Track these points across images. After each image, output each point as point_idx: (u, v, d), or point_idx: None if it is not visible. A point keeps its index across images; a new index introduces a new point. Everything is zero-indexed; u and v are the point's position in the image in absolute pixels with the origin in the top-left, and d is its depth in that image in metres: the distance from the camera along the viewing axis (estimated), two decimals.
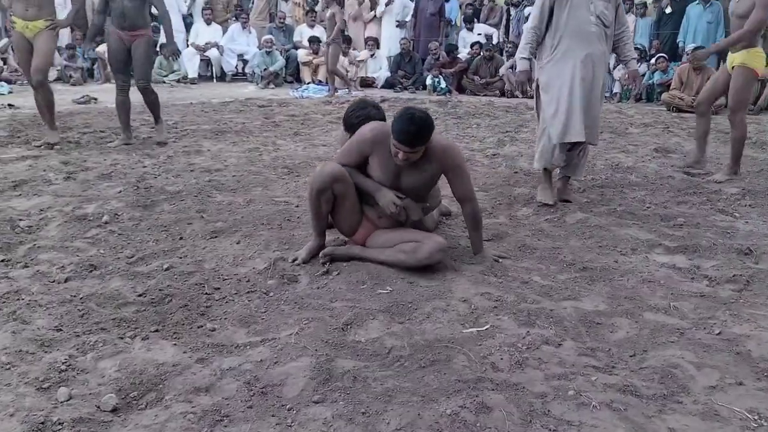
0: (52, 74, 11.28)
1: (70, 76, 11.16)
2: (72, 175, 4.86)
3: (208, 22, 12.22)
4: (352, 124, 3.53)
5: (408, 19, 12.20)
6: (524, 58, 4.23)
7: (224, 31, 12.34)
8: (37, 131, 6.59)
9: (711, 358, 2.34)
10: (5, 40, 11.40)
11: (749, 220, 4.00)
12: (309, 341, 2.41)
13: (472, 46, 11.45)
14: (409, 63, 11.51)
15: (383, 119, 3.53)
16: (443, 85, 10.85)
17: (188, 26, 12.52)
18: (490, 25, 12.34)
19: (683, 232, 3.77)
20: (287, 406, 2.01)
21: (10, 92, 9.72)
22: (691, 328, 2.58)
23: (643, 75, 9.91)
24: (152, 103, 6.18)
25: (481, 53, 11.17)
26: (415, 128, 2.92)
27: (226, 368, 2.23)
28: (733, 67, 4.95)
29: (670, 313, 2.73)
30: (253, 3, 13.10)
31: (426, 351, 2.36)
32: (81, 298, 2.74)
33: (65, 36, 11.93)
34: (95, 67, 11.81)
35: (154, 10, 6.01)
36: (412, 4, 12.24)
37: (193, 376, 2.18)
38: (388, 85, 11.59)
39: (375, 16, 12.32)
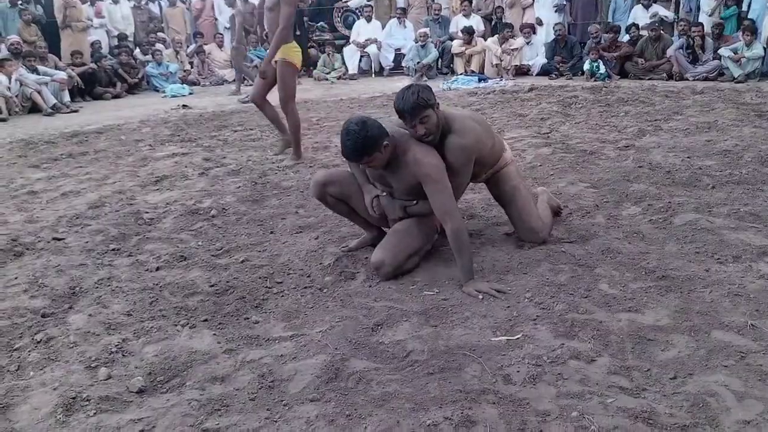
0: (231, 76, 12.45)
1: (244, 78, 12.15)
2: (207, 171, 5.37)
3: (368, 20, 12.64)
4: None
5: (565, 2, 11.62)
6: None
7: (383, 27, 12.68)
8: (196, 130, 7.33)
9: (761, 388, 2.04)
10: (193, 46, 12.73)
11: None
12: (333, 339, 2.48)
13: (628, 29, 10.62)
14: (564, 48, 10.98)
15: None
16: (602, 70, 10.20)
17: (350, 25, 13.06)
18: (662, 3, 11.33)
19: None
20: (284, 402, 2.11)
21: (190, 93, 10.86)
22: (758, 352, 2.26)
23: None
24: None
25: (647, 34, 10.33)
26: (349, 142, 2.79)
27: (248, 360, 2.38)
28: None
29: (743, 333, 2.40)
30: None
31: (442, 357, 2.32)
32: (160, 287, 3.06)
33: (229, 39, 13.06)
34: None
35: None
36: None
37: (216, 365, 2.36)
38: (545, 72, 11.16)
39: (532, 1, 11.92)
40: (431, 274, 3.03)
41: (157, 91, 11.39)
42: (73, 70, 10.35)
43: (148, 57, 11.88)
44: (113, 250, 3.57)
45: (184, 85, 11.26)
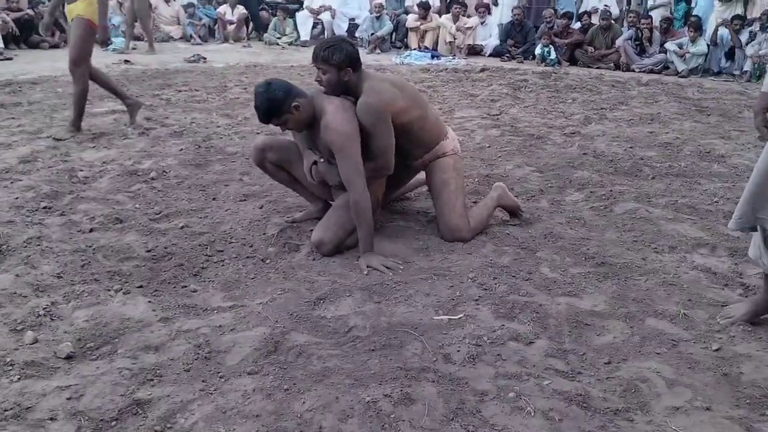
0: (177, 33, 12.03)
1: (191, 36, 11.76)
2: (147, 131, 5.16)
3: None
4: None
5: None
6: None
7: None
8: (138, 87, 7.05)
9: (691, 376, 2.11)
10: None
11: None
12: (274, 311, 2.43)
13: (580, 17, 10.77)
14: (520, 32, 11.04)
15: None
16: (553, 55, 10.31)
17: None
18: None
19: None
20: (220, 374, 2.06)
21: (133, 48, 10.40)
22: (689, 341, 2.33)
23: None
24: None
25: (599, 23, 10.49)
26: (256, 103, 2.86)
27: (184, 329, 2.31)
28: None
29: (675, 322, 2.48)
30: None
31: (384, 334, 2.31)
32: (93, 249, 2.93)
33: None
34: (216, 26, 12.35)
35: None
36: None
37: (150, 334, 2.28)
38: (497, 53, 11.20)
39: None
40: (377, 250, 3.00)
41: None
42: (8, 15, 9.77)
43: None
44: (44, 208, 3.39)
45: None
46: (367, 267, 2.84)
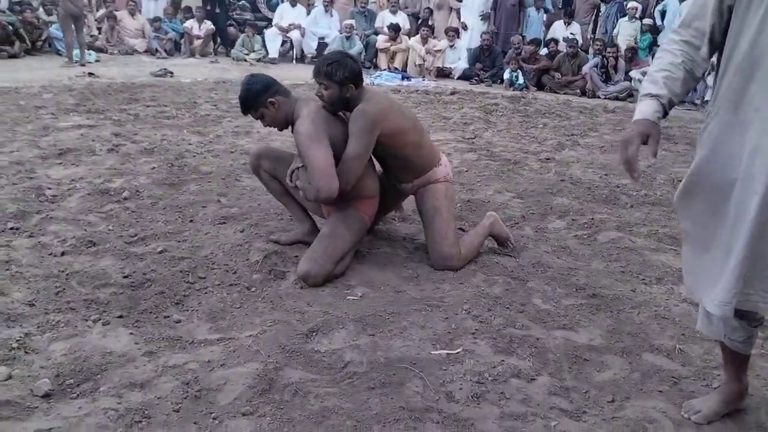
0: (142, 46, 11.79)
1: (156, 50, 11.54)
2: (117, 147, 4.98)
3: (293, 4, 12.29)
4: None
5: (490, 10, 11.78)
6: (650, 95, 1.86)
7: (308, 13, 12.40)
8: (104, 101, 6.83)
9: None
10: (102, 11, 11.95)
11: None
12: (265, 345, 2.31)
13: (547, 44, 10.96)
14: (488, 57, 11.15)
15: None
16: (521, 80, 10.44)
17: (273, 6, 12.69)
18: (578, 21, 11.75)
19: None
20: (213, 415, 1.93)
21: (97, 60, 10.14)
22: (689, 378, 2.31)
23: None
24: None
25: (565, 50, 10.68)
26: (240, 93, 2.94)
27: (170, 365, 2.18)
28: None
29: (672, 357, 2.45)
30: None
31: (382, 370, 2.21)
32: (66, 275, 2.77)
33: (152, 10, 12.48)
34: (182, 40, 12.14)
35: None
36: None
37: (135, 370, 2.14)
38: (465, 76, 11.28)
39: (461, 3, 11.99)
40: (366, 278, 2.92)
41: (60, 54, 10.55)
42: None
43: (53, 17, 11.00)
44: (12, 228, 3.20)
45: (91, 51, 10.49)
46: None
